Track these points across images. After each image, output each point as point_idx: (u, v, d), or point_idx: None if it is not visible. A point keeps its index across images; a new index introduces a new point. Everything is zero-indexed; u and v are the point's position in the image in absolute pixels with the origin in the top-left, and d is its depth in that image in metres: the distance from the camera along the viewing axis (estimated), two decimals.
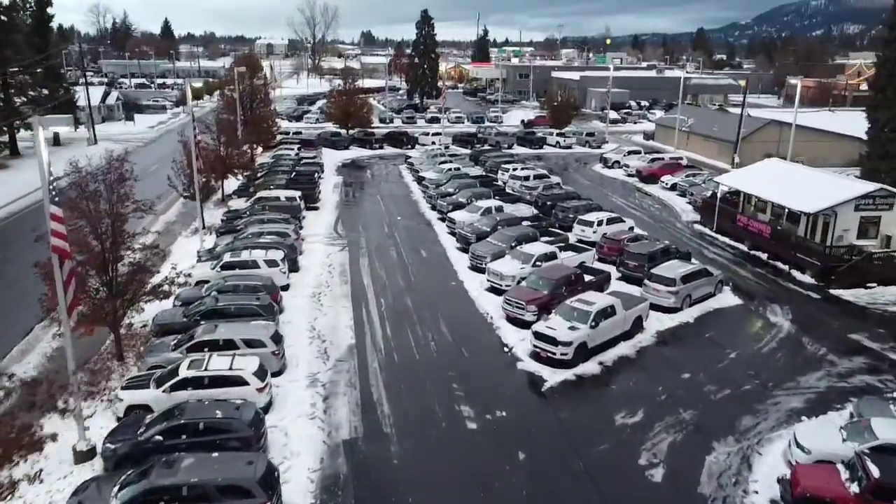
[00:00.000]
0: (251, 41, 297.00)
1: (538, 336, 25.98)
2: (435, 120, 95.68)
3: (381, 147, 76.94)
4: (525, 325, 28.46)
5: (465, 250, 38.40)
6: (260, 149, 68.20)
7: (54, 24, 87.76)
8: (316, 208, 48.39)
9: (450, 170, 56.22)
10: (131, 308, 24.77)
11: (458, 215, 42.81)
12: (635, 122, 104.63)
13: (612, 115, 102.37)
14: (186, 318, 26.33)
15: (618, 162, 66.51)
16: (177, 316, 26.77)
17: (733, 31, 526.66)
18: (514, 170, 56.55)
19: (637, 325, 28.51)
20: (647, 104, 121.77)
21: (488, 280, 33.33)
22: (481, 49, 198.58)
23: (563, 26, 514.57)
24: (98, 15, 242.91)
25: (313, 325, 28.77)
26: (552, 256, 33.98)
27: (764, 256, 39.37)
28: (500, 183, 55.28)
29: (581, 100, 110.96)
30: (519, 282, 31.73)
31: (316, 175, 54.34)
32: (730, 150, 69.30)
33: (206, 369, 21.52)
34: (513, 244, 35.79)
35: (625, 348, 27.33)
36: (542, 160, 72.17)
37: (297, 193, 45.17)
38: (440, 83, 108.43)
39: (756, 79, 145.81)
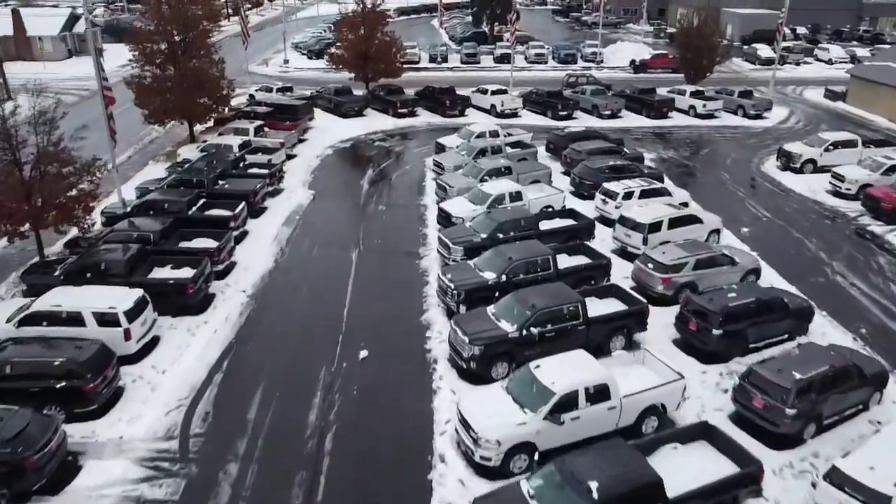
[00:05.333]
0: None
1: None
2: (506, 58, 65.99)
3: (410, 113, 48.78)
4: None
5: None
6: (210, 122, 42.60)
7: None
8: (202, 309, 22.71)
9: (496, 200, 28.39)
10: None
11: (484, 411, 16.11)
12: (797, 64, 71.78)
13: (765, 51, 70.74)
14: None
15: (812, 162, 37.11)
16: None
17: None
18: (627, 194, 28.93)
19: None
20: (805, 33, 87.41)
21: None
22: None
23: None
24: None
25: None
26: None
27: None
28: (605, 244, 27.53)
29: (713, 26, 78.15)
30: None
31: (239, 211, 27.83)
32: None
33: None
34: None
35: None
36: (669, 142, 43.57)
37: (134, 296, 19.64)
38: None
39: None
